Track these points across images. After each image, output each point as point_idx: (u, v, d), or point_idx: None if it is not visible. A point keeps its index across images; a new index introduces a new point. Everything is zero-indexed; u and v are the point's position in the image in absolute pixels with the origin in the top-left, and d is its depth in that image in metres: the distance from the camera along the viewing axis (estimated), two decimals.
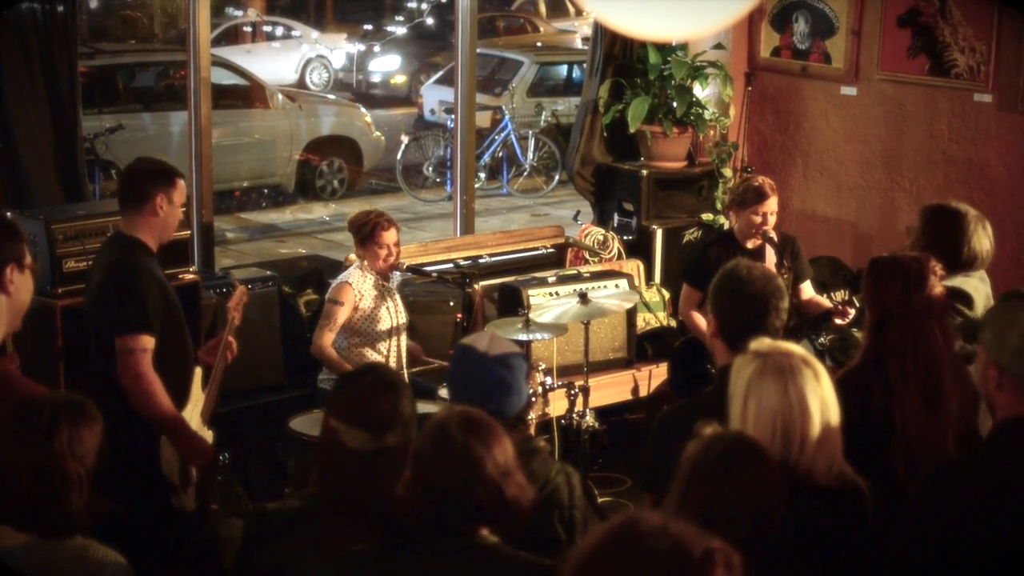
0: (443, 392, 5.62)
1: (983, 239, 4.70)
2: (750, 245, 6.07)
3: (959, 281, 4.59)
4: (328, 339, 5.79)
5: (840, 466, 3.14)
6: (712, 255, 6.13)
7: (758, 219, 6.01)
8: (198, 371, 4.94)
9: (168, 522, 4.64)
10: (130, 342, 4.51)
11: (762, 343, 3.18)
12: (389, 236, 5.85)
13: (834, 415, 3.11)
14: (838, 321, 5.90)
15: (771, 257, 6.00)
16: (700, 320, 6.06)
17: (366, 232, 5.82)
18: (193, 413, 4.84)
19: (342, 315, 5.79)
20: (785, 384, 3.06)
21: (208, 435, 4.97)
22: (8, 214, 5.89)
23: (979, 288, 4.65)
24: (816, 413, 3.07)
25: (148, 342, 4.53)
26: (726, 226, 8.00)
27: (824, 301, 6.31)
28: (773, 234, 6.04)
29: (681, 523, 1.90)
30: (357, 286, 5.83)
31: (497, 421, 2.83)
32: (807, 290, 6.24)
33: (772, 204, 6.03)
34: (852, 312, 5.89)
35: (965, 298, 4.55)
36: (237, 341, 5.10)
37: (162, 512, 4.62)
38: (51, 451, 2.85)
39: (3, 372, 3.43)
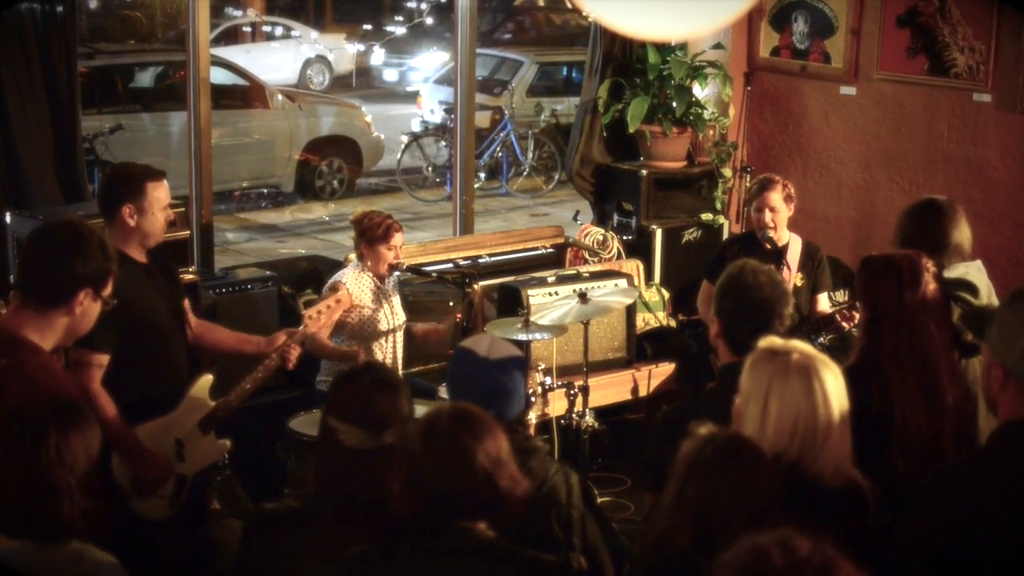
0: (443, 392, 5.62)
1: (963, 227, 4.69)
2: (769, 246, 6.03)
3: (961, 271, 4.59)
4: (323, 334, 5.79)
5: (847, 468, 3.13)
6: (730, 254, 6.11)
7: (756, 214, 5.99)
8: (206, 378, 4.84)
9: (129, 524, 4.53)
10: (76, 354, 4.46)
11: (774, 341, 3.17)
12: (398, 239, 5.88)
13: (848, 416, 3.10)
14: (845, 325, 5.86)
15: (794, 259, 5.96)
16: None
17: (378, 233, 5.82)
18: (176, 424, 4.75)
19: (336, 312, 5.79)
20: (810, 384, 3.04)
21: (218, 445, 4.90)
22: (8, 214, 5.91)
23: (979, 278, 4.65)
24: (836, 414, 3.06)
25: (96, 358, 4.47)
26: (726, 226, 8.05)
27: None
28: (773, 235, 6.02)
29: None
30: (352, 285, 5.84)
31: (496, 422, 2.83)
32: (822, 301, 6.15)
33: (771, 198, 5.98)
34: (856, 316, 5.86)
35: (970, 287, 4.55)
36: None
37: (122, 514, 4.51)
38: (39, 462, 2.84)
39: (47, 366, 3.45)
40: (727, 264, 5.99)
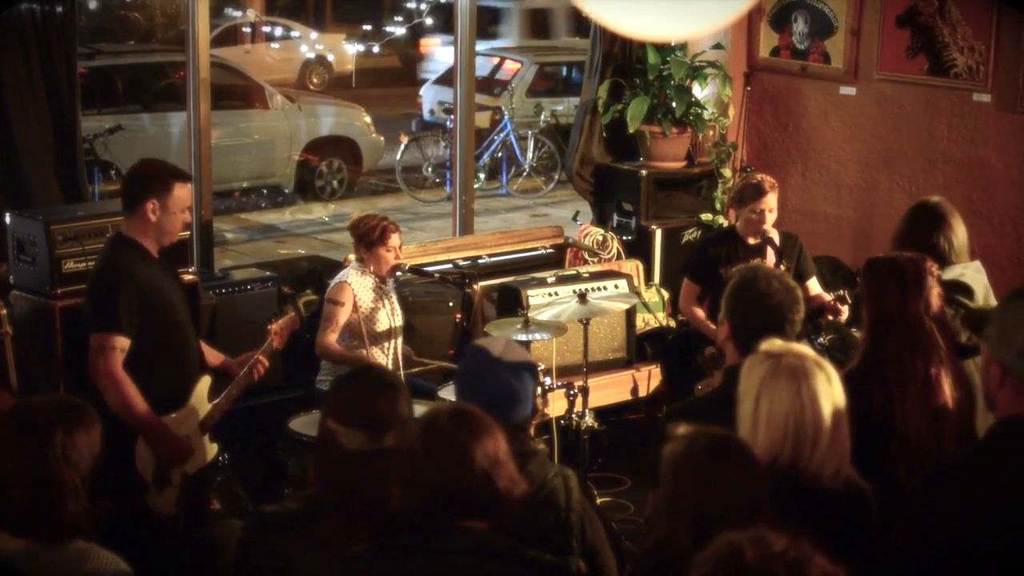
0: (443, 392, 5.63)
1: (958, 229, 4.69)
2: (751, 241, 6.07)
3: (957, 273, 4.59)
4: (331, 339, 5.80)
5: (847, 471, 3.13)
6: (711, 251, 6.17)
7: (755, 216, 6.01)
8: (207, 379, 4.89)
9: (141, 521, 4.60)
10: (99, 339, 4.55)
11: (773, 344, 3.17)
12: (396, 239, 5.88)
13: (844, 419, 3.10)
14: (831, 317, 5.89)
15: (771, 256, 6.00)
16: (700, 315, 6.12)
17: (375, 236, 5.83)
18: (189, 419, 4.80)
19: (343, 315, 5.79)
20: (798, 386, 3.04)
21: (210, 447, 4.93)
22: (8, 214, 5.91)
23: (976, 279, 4.65)
24: (828, 416, 3.06)
25: (118, 341, 4.54)
26: (725, 226, 8.04)
27: (827, 296, 6.30)
28: (774, 234, 6.03)
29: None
30: (356, 286, 5.84)
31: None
32: (813, 287, 6.22)
33: (770, 200, 6.02)
34: (845, 309, 5.88)
35: (966, 290, 4.55)
36: (237, 339, 5.10)
37: (134, 510, 4.58)
38: (45, 460, 2.84)
39: None
40: (707, 263, 6.08)
